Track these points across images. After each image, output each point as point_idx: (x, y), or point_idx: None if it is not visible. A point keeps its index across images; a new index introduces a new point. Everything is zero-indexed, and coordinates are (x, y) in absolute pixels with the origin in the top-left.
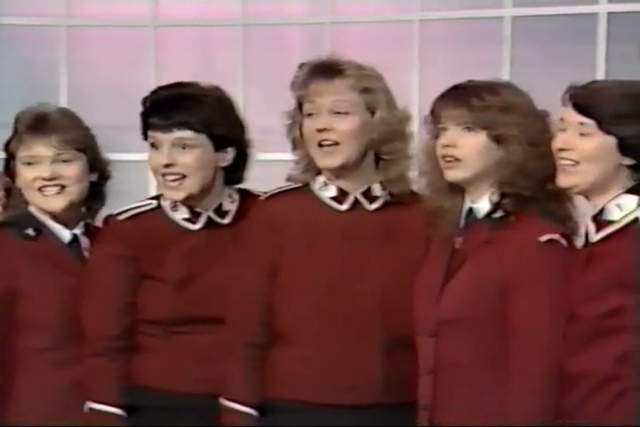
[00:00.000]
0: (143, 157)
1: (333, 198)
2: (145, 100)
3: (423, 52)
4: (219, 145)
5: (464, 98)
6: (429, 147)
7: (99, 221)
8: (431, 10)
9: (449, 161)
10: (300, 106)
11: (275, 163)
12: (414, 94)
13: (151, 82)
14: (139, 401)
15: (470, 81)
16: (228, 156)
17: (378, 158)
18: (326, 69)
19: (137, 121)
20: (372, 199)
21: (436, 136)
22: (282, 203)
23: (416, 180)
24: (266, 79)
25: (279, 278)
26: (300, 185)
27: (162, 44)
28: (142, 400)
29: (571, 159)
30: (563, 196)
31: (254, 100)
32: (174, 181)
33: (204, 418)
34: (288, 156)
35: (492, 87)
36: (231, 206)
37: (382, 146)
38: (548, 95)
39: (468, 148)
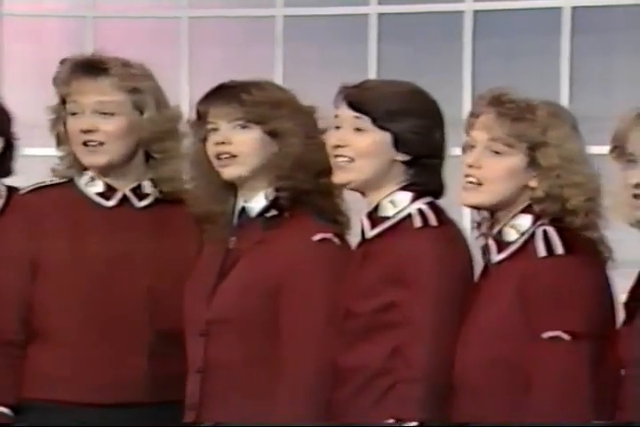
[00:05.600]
0: None
1: (100, 194)
2: None
3: (193, 50)
4: None
5: (234, 94)
6: (198, 150)
7: None
8: (200, 7)
9: (225, 158)
10: (63, 102)
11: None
12: (184, 92)
13: None
14: None
15: (232, 81)
16: None
17: (149, 156)
18: (90, 67)
19: None
20: (141, 196)
21: (203, 138)
22: (43, 197)
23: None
24: (23, 73)
25: (39, 275)
26: (65, 180)
27: None
28: None
29: (346, 156)
30: (334, 190)
31: (11, 93)
32: None
33: None
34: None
35: (257, 84)
36: None
37: (152, 145)
38: (322, 95)
39: (244, 144)
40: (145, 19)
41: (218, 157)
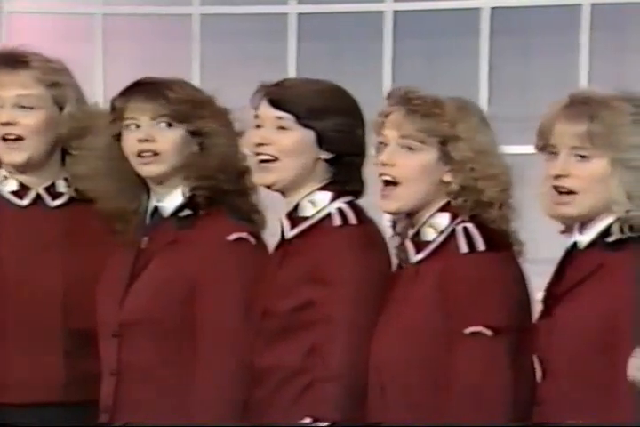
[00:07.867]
0: None
1: (14, 193)
2: None
3: (108, 48)
4: None
5: (157, 91)
6: (110, 145)
7: None
8: (115, 4)
9: (147, 156)
10: None
11: None
12: (98, 89)
13: None
14: None
15: (149, 77)
16: None
17: (65, 154)
18: (10, 60)
19: None
20: (55, 196)
21: (117, 134)
22: None
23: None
24: None
25: None
26: None
27: None
28: None
29: (269, 154)
30: (250, 189)
31: None
32: None
33: None
34: None
35: (176, 83)
36: None
37: (70, 141)
38: (240, 93)
39: (167, 142)
40: (59, 15)
41: (139, 154)
